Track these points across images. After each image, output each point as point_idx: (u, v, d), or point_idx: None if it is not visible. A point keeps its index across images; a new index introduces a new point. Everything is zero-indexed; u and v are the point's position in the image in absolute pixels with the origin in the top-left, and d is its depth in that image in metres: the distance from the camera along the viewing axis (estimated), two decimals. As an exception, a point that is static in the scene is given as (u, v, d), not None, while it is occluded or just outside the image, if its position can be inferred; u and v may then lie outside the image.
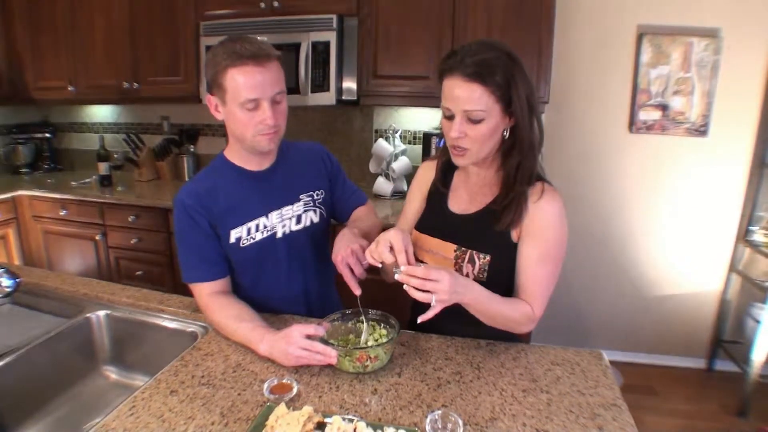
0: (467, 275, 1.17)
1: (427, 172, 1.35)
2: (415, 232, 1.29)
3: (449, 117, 1.10)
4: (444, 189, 1.28)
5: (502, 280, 1.17)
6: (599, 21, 2.67)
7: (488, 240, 1.16)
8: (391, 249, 1.06)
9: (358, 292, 1.17)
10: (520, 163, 1.13)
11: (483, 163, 1.19)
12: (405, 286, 1.00)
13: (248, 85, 1.14)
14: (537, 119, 1.12)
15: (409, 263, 1.04)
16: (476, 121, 1.07)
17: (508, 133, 1.12)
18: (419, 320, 1.02)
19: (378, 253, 1.07)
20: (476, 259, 1.16)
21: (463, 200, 1.25)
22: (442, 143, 1.32)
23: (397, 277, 1.01)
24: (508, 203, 1.14)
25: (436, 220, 1.28)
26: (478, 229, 1.19)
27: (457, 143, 1.11)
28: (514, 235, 1.15)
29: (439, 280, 0.98)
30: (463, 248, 1.18)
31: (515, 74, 1.05)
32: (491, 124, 1.08)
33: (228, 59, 1.14)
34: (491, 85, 1.04)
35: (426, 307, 1.01)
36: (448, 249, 1.21)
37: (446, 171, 1.30)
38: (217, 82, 1.18)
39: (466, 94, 1.05)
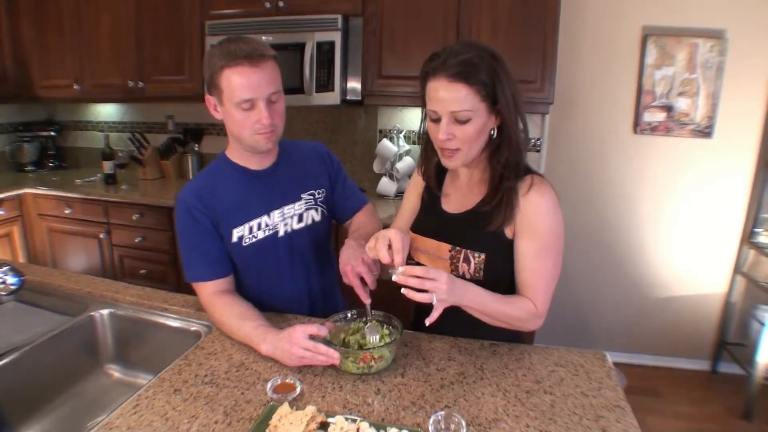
0: (463, 275, 1.17)
1: (420, 177, 1.35)
2: (411, 233, 1.29)
3: (435, 120, 1.09)
4: (437, 191, 1.28)
5: (499, 277, 1.17)
6: (604, 22, 2.66)
7: (482, 239, 1.16)
8: (389, 247, 1.05)
9: (368, 301, 1.18)
10: (507, 160, 1.12)
11: (471, 163, 1.19)
12: (403, 289, 0.99)
13: (243, 85, 1.15)
14: (522, 117, 1.11)
15: (402, 265, 1.03)
16: (463, 122, 1.06)
17: (495, 133, 1.12)
18: (427, 323, 1.01)
19: (375, 251, 1.06)
20: (471, 258, 1.16)
21: (455, 200, 1.25)
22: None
23: (394, 278, 1.01)
24: (498, 202, 1.13)
25: (430, 220, 1.27)
26: (470, 228, 1.18)
27: (446, 145, 1.10)
28: (508, 232, 1.15)
29: (437, 279, 0.98)
30: (458, 248, 1.18)
31: (499, 72, 1.04)
32: (478, 123, 1.07)
33: (223, 59, 1.15)
34: (476, 84, 1.03)
35: (430, 307, 1.01)
36: (443, 249, 1.20)
37: (438, 174, 1.30)
38: (214, 83, 1.19)
39: (451, 95, 1.04)
